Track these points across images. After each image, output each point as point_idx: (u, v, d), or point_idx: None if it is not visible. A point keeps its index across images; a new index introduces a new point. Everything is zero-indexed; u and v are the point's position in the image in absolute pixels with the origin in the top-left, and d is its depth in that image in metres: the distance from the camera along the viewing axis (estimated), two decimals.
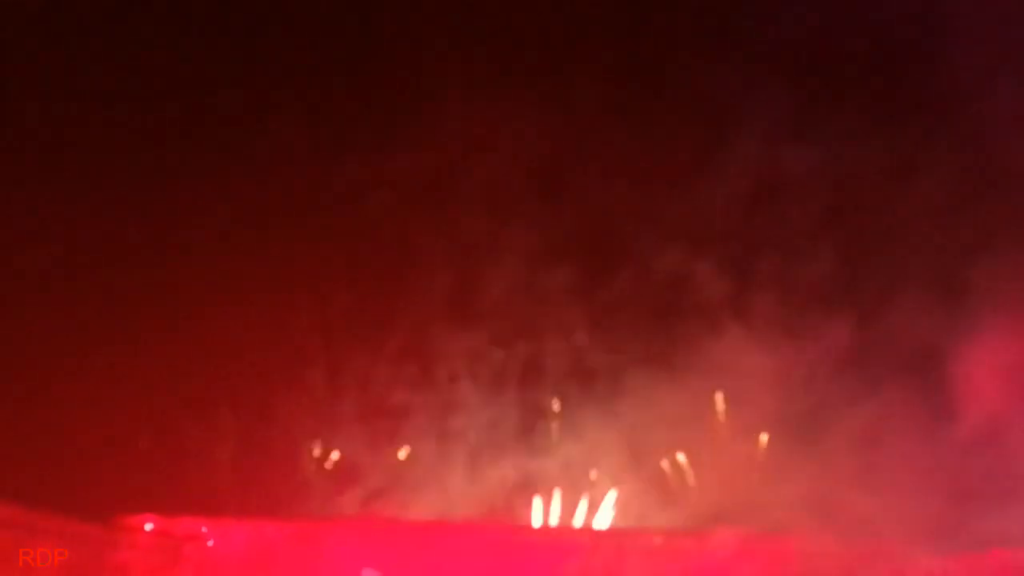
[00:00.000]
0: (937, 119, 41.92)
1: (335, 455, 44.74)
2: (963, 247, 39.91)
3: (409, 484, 44.19)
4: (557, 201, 44.39)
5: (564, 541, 40.69)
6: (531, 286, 43.64)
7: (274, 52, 45.20)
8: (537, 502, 43.93)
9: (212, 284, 42.71)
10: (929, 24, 41.00)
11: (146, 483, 40.22)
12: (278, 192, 44.71)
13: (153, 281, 43.44)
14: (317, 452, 44.81)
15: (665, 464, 44.42)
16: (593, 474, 44.33)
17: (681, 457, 44.11)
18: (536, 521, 43.78)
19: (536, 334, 44.24)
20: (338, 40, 45.75)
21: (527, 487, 43.71)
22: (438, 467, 43.90)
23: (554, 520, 43.95)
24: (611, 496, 44.14)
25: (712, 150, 43.51)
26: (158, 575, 38.56)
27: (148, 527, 39.66)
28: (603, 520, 44.12)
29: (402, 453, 44.54)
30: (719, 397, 43.46)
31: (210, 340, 41.89)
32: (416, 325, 43.82)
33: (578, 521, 44.12)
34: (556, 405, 45.01)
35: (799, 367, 40.19)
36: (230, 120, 44.33)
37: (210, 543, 40.41)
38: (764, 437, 42.76)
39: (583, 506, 44.26)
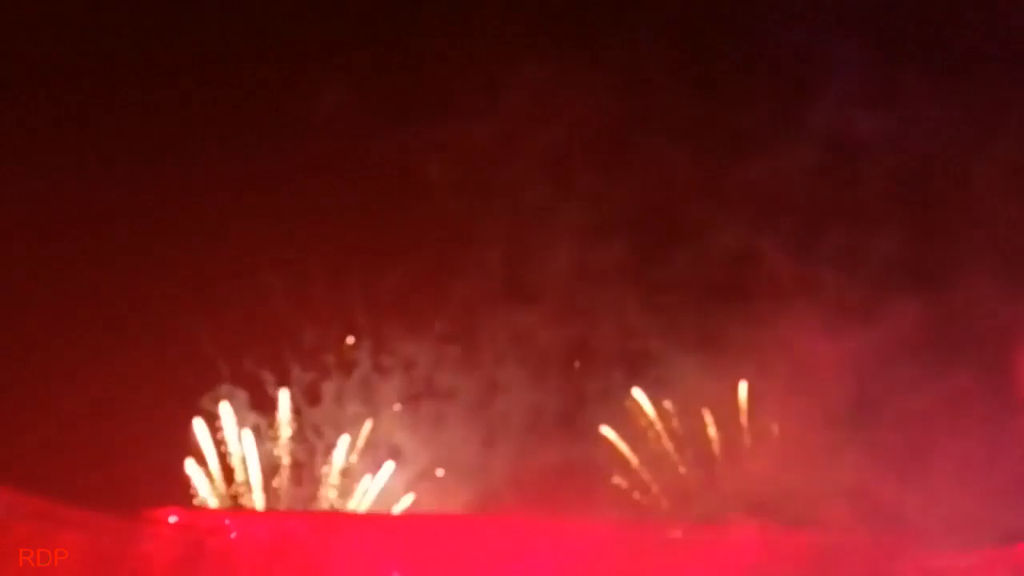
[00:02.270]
0: (1019, 88, 40.08)
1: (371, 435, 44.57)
2: None
3: (451, 468, 43.76)
4: (614, 173, 43.41)
5: (585, 533, 40.35)
6: (584, 263, 42.39)
7: (327, 19, 45.22)
8: (574, 489, 43.43)
9: (250, 264, 42.78)
10: None
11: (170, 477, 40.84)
12: (328, 164, 44.33)
13: (186, 269, 43.53)
14: (356, 432, 44.68)
15: (706, 450, 43.86)
16: (634, 460, 43.96)
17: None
18: (573, 508, 43.30)
19: (587, 314, 43.07)
20: (393, 5, 45.78)
21: (567, 473, 42.78)
22: (477, 451, 43.18)
23: (590, 508, 43.57)
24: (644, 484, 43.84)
25: (779, 118, 41.94)
26: (182, 567, 38.80)
27: (172, 520, 40.00)
28: (639, 508, 43.95)
29: (444, 436, 44.07)
30: (768, 383, 41.98)
31: (244, 323, 42.14)
32: (463, 303, 42.93)
33: (611, 510, 43.96)
34: (601, 388, 44.18)
35: (859, 351, 38.52)
36: (284, 89, 44.39)
37: (233, 535, 40.67)
38: (810, 425, 40.68)
39: (619, 493, 44.04)
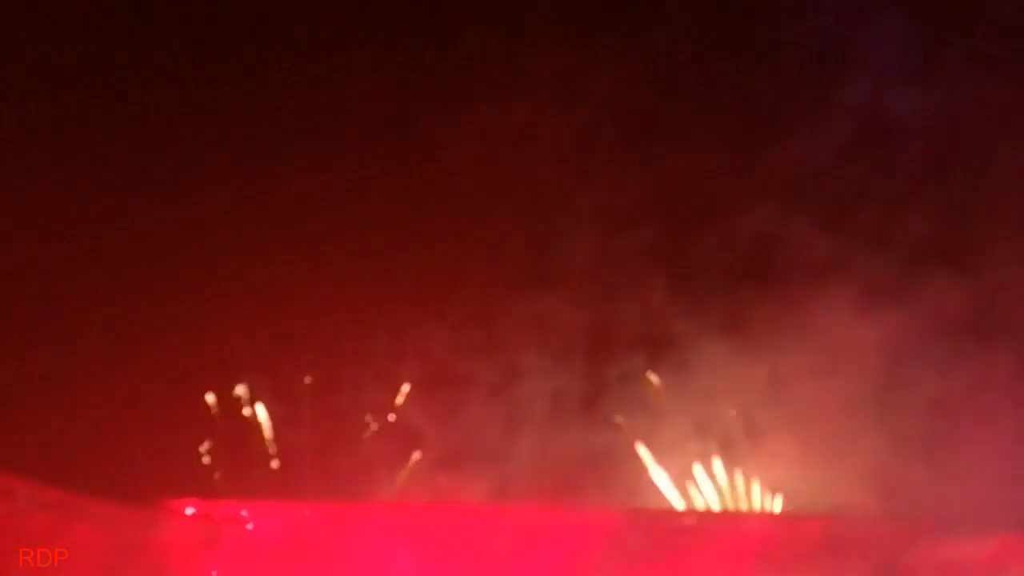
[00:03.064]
0: None
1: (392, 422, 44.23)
2: None
3: (470, 456, 43.08)
4: (638, 153, 42.61)
5: (595, 522, 40.39)
6: (608, 247, 41.72)
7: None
8: (594, 478, 43.24)
9: (270, 249, 43.01)
10: None
11: (186, 467, 40.88)
12: (347, 146, 43.98)
13: (203, 256, 43.45)
14: (373, 423, 44.49)
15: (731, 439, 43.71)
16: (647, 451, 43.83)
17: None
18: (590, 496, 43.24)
19: (612, 298, 42.44)
20: None
21: (587, 463, 42.61)
22: (499, 439, 42.58)
23: (611, 496, 43.52)
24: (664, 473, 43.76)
25: (810, 94, 41.22)
26: (198, 557, 38.97)
27: (188, 510, 40.10)
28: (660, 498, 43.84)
29: (463, 424, 43.29)
30: (797, 369, 40.81)
31: (262, 310, 42.21)
32: (484, 287, 42.44)
33: (632, 498, 43.87)
34: (625, 375, 43.56)
35: (885, 334, 38.08)
36: (300, 68, 43.83)
37: (249, 526, 40.76)
38: (838, 412, 40.54)
39: (640, 483, 43.91)
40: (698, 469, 44.18)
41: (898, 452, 36.13)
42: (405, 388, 44.26)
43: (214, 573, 38.87)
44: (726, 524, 40.41)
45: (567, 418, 42.28)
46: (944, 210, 39.59)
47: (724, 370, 40.58)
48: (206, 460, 43.42)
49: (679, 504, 44.48)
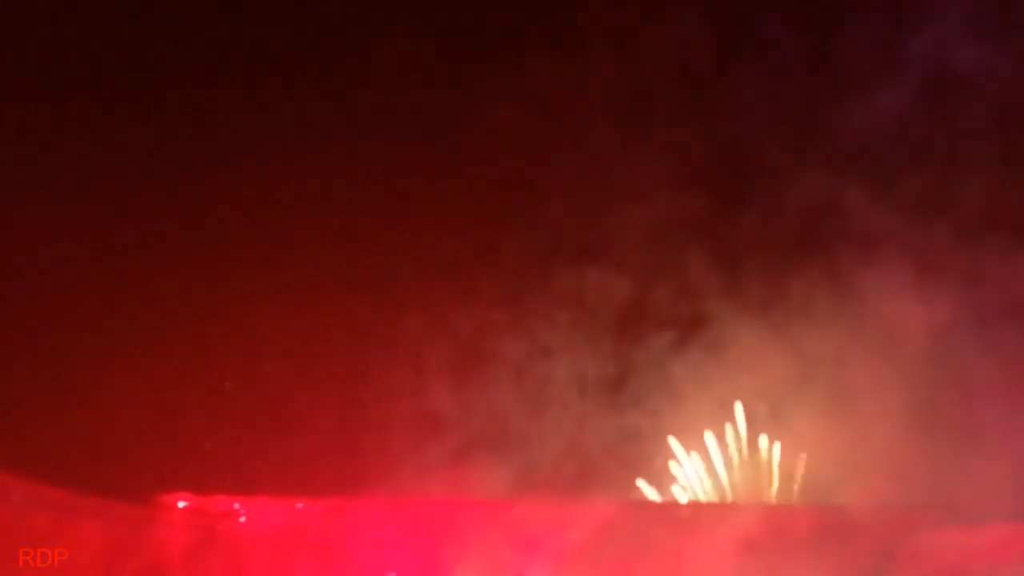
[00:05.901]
0: None
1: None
2: None
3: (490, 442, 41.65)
4: (684, 121, 40.72)
5: (587, 513, 40.36)
6: (653, 219, 40.09)
7: None
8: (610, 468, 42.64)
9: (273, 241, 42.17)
10: None
11: (181, 462, 40.45)
12: (373, 125, 43.01)
13: (204, 243, 42.94)
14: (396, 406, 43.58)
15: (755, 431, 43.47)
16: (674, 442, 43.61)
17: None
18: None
19: (654, 274, 41.17)
20: None
21: (611, 449, 41.74)
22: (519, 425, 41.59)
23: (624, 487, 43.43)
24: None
25: (870, 55, 39.33)
26: (193, 552, 38.78)
27: (182, 504, 39.90)
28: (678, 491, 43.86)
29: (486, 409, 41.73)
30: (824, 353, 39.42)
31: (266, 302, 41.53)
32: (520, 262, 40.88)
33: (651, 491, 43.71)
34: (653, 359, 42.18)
35: (940, 318, 36.43)
36: (344, 27, 43.05)
37: (243, 520, 40.61)
38: (877, 405, 38.76)
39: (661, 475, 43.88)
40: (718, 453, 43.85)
41: (925, 440, 35.52)
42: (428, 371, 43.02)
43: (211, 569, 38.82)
44: (718, 514, 40.46)
45: (594, 402, 41.32)
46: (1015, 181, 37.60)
47: (751, 353, 39.64)
48: (204, 455, 43.03)
49: (697, 490, 44.35)
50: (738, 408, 43.62)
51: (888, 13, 40.26)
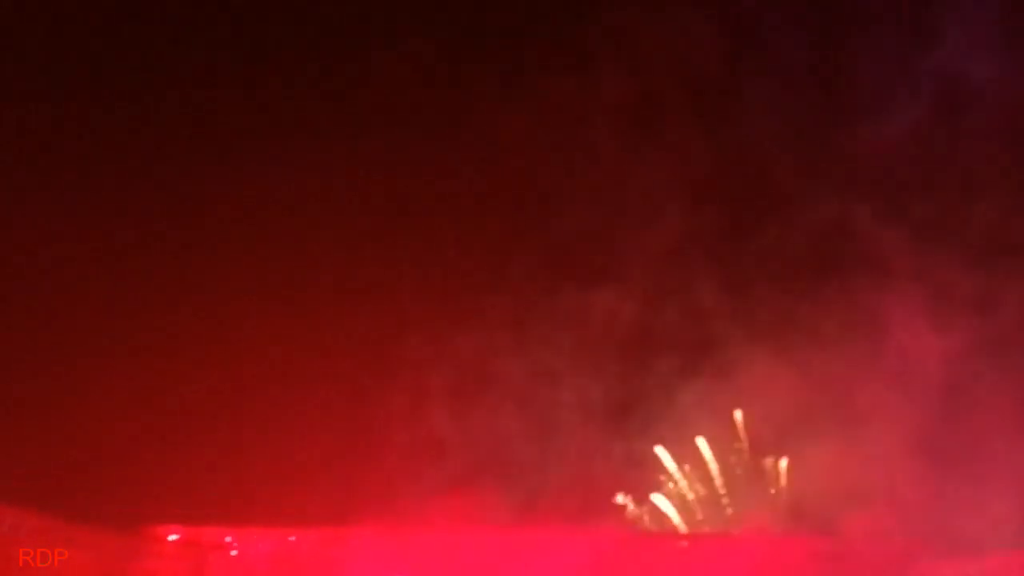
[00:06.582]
0: None
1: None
2: None
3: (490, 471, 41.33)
4: (700, 133, 40.90)
5: (590, 543, 40.00)
6: (664, 236, 40.07)
7: None
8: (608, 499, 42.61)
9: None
10: None
11: (172, 493, 39.98)
12: (397, 138, 42.92)
13: (196, 273, 42.57)
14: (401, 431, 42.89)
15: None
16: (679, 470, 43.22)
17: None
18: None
19: (662, 294, 40.81)
20: None
21: (616, 476, 41.62)
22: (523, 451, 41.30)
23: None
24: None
25: (883, 77, 40.07)
26: None
27: (173, 537, 39.44)
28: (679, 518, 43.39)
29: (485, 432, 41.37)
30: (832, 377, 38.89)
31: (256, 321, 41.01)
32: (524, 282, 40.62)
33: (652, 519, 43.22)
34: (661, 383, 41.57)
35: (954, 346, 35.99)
36: (360, 20, 43.33)
37: (234, 552, 40.12)
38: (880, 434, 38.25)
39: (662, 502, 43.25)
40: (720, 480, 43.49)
41: (926, 469, 35.32)
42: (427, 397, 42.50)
43: None
44: (719, 545, 40.11)
45: (598, 428, 40.73)
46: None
47: (757, 380, 39.28)
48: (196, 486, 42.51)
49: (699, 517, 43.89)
50: (740, 426, 43.39)
51: (901, 37, 40.81)
